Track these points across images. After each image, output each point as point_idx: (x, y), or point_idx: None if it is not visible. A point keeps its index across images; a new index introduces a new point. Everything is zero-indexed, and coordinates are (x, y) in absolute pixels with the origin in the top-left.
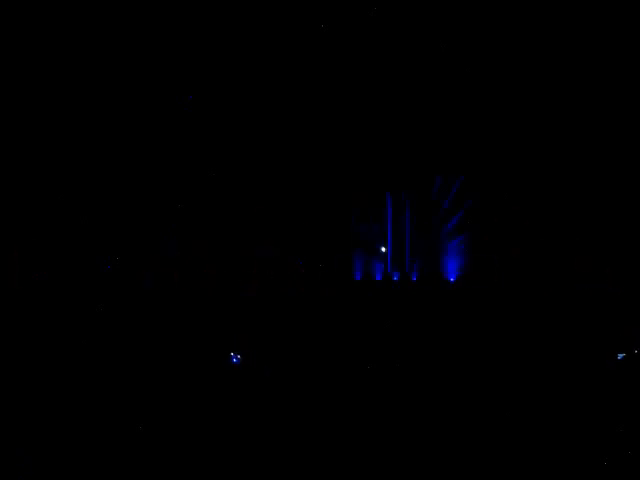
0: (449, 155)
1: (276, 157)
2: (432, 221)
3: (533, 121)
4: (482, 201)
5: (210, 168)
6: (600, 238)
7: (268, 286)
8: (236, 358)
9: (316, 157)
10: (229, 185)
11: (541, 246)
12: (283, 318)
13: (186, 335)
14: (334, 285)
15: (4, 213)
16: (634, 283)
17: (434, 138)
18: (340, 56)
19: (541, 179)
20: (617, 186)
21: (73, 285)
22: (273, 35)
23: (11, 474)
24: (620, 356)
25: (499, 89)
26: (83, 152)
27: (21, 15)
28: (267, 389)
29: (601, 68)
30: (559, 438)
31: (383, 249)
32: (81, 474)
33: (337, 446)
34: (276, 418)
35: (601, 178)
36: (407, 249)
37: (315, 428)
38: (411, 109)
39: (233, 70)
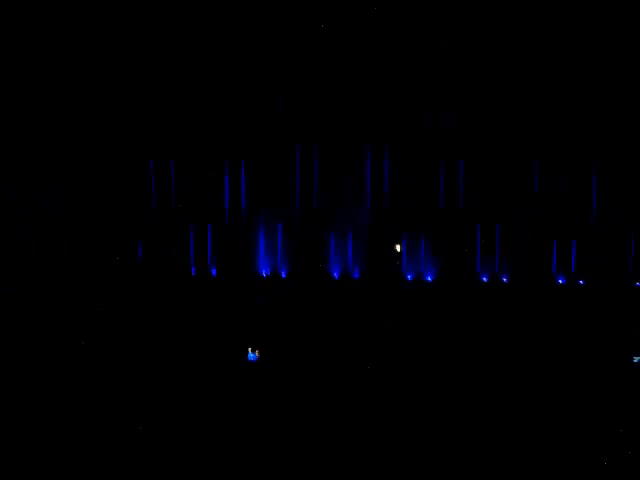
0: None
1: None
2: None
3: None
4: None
5: (210, 168)
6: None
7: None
8: (253, 355)
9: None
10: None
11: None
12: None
13: (187, 335)
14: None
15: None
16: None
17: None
18: (340, 56)
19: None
20: (617, 183)
21: (72, 285)
22: (272, 34)
23: (11, 474)
24: (636, 359)
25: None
26: (81, 151)
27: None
28: (266, 387)
29: (602, 74)
30: (555, 439)
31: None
32: (81, 474)
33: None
34: (269, 417)
35: (601, 175)
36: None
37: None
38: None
39: (232, 70)
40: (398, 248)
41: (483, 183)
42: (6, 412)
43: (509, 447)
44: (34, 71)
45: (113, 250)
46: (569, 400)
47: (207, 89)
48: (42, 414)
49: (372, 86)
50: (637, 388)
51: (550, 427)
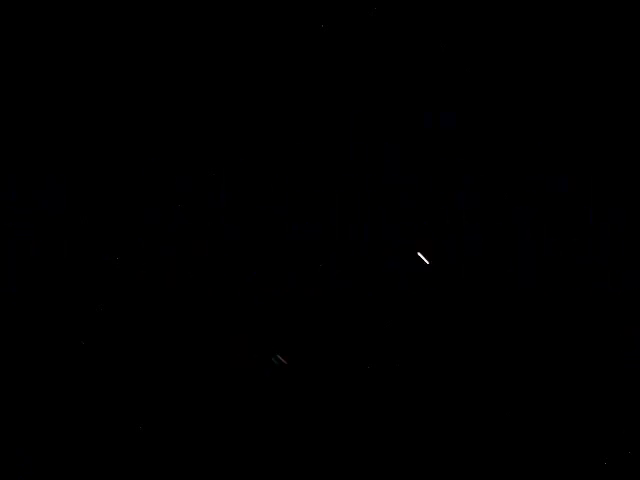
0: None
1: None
2: None
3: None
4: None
5: (210, 168)
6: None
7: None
8: (277, 360)
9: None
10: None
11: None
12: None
13: (184, 335)
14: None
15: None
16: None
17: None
18: (340, 55)
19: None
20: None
21: (72, 285)
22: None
23: (11, 474)
24: None
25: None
26: (81, 151)
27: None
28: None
29: (603, 74)
30: (555, 439)
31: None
32: (81, 474)
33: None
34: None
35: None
36: None
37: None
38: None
39: (231, 70)
40: (422, 257)
41: (483, 183)
42: (6, 412)
43: (509, 447)
44: (34, 71)
45: (113, 250)
46: (569, 400)
47: (206, 89)
48: (42, 414)
49: (372, 86)
50: (637, 390)
51: (550, 427)
